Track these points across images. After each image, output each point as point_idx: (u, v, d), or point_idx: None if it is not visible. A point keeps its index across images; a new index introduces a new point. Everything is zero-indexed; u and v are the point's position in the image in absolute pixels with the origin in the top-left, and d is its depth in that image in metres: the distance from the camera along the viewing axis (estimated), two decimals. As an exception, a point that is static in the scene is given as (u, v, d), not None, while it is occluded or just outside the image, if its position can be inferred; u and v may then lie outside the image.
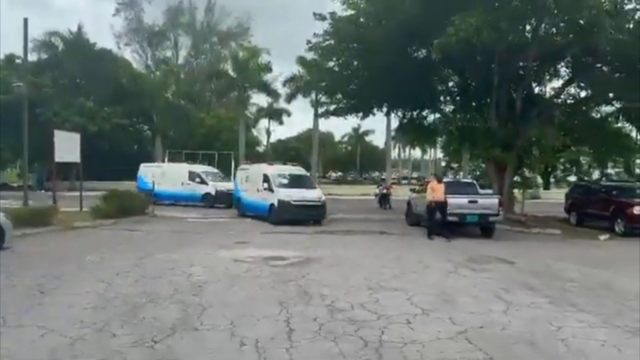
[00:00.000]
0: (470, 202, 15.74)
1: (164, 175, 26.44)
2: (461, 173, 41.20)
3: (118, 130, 39.49)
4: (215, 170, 29.13)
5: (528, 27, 18.57)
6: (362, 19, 19.79)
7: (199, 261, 10.15)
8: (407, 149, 78.57)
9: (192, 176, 26.35)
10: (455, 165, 42.76)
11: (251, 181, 20.16)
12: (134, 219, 17.92)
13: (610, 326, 6.14)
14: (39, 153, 28.56)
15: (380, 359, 4.91)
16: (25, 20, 16.40)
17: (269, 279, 8.66)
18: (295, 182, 18.86)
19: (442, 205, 14.98)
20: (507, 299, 7.40)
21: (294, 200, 17.51)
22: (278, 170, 19.46)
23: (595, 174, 35.29)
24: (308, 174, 19.97)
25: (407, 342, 5.37)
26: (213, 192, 25.14)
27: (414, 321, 6.22)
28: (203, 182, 25.99)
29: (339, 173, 76.10)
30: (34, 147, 21.68)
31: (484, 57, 19.05)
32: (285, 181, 18.74)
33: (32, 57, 36.38)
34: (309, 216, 17.67)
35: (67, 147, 18.69)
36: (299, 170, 20.58)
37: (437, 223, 15.13)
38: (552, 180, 47.76)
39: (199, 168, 27.83)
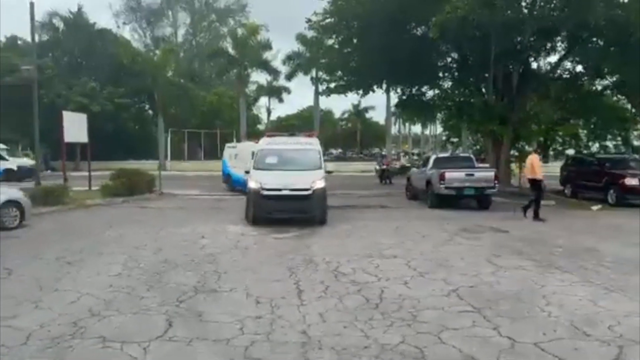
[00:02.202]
0: (467, 175, 16.34)
1: (237, 157, 22.42)
2: (460, 148, 41.71)
3: (120, 110, 39.88)
4: None
5: (524, 3, 18.90)
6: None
7: (210, 235, 10.79)
8: (407, 125, 78.88)
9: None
10: (455, 139, 43.17)
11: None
12: (143, 197, 18.55)
13: (589, 284, 6.78)
14: (44, 134, 29.06)
15: (382, 314, 5.54)
16: (32, 5, 16.73)
17: (276, 249, 9.30)
18: (289, 160, 13.30)
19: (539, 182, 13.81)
20: (497, 263, 8.05)
21: (267, 189, 12.13)
22: (270, 144, 14.21)
23: (595, 147, 35.80)
24: (317, 148, 13.93)
25: (404, 299, 6.03)
26: None
27: (411, 282, 6.87)
28: None
29: (339, 150, 76.44)
30: (40, 128, 22.12)
31: (481, 33, 19.39)
32: (273, 160, 13.31)
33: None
34: (288, 212, 12.26)
35: (75, 127, 19.16)
36: (303, 143, 14.40)
37: (536, 201, 13.75)
38: (550, 153, 48.25)
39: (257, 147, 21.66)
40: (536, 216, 13.59)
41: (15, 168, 24.59)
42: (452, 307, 5.75)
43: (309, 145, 14.15)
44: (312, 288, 6.51)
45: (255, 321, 5.22)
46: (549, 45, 21.23)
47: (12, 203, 11.68)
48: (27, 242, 10.08)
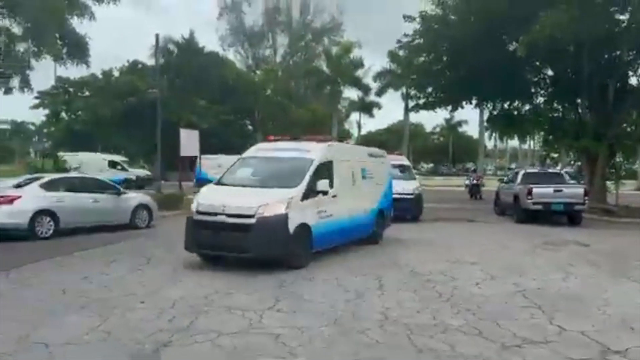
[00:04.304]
0: (555, 191, 16.43)
1: None
2: (560, 164, 40.30)
3: (226, 127, 43.36)
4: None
5: (622, 17, 18.60)
6: (452, 17, 20.81)
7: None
8: (504, 139, 76.46)
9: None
10: (554, 155, 41.70)
11: None
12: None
13: (655, 293, 7.21)
14: (160, 148, 32.71)
15: (451, 305, 6.49)
16: (157, 36, 19.48)
17: (362, 252, 10.40)
18: (265, 173, 9.65)
19: None
20: (569, 271, 8.61)
21: (200, 212, 8.75)
22: (256, 152, 10.78)
23: None
24: (313, 157, 9.47)
25: (473, 295, 6.94)
26: None
27: (482, 283, 7.71)
28: None
29: (431, 164, 75.98)
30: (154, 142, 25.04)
31: (575, 47, 19.31)
32: (245, 173, 9.90)
33: (151, 61, 41.23)
34: (222, 248, 8.47)
35: (189, 142, 21.74)
36: (297, 150, 9.88)
37: None
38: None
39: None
40: None
41: (134, 177, 28.02)
42: (515, 303, 6.57)
43: (305, 153, 9.67)
44: (391, 283, 7.59)
45: (343, 302, 6.43)
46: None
47: (143, 206, 13.94)
48: (157, 239, 12.12)
